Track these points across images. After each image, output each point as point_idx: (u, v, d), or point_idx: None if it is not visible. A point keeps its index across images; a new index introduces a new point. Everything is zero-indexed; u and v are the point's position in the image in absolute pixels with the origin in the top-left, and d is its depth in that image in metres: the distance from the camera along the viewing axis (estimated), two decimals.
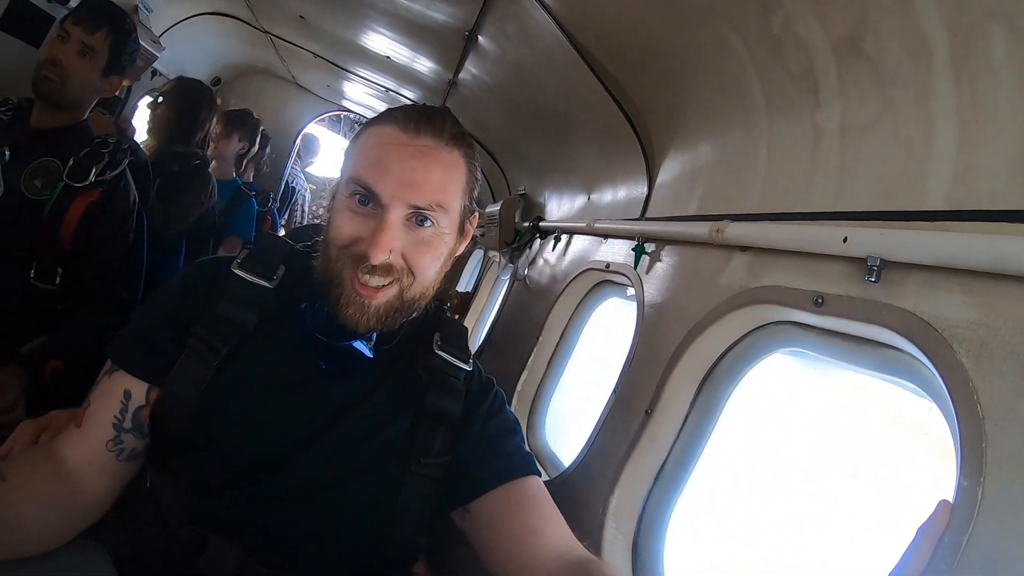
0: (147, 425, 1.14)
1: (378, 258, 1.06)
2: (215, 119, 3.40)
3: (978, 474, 0.80)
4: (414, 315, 1.20)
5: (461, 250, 1.22)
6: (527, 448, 1.27)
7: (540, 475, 1.23)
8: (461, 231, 1.20)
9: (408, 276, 1.11)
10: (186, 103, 3.13)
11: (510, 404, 2.50)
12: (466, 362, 1.28)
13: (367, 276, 1.08)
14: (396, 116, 1.13)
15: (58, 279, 1.97)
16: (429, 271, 1.14)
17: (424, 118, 1.12)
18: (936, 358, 0.91)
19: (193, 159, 3.05)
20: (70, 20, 2.03)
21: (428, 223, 1.10)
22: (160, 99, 3.17)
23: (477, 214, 1.24)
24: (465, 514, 1.19)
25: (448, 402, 1.21)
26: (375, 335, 1.18)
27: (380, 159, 1.09)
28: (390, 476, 1.16)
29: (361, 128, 1.20)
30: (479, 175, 1.21)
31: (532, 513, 1.15)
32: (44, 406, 1.35)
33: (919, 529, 0.84)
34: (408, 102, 4.33)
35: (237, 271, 1.19)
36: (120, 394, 1.13)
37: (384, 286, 1.10)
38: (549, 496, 1.20)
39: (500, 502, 1.16)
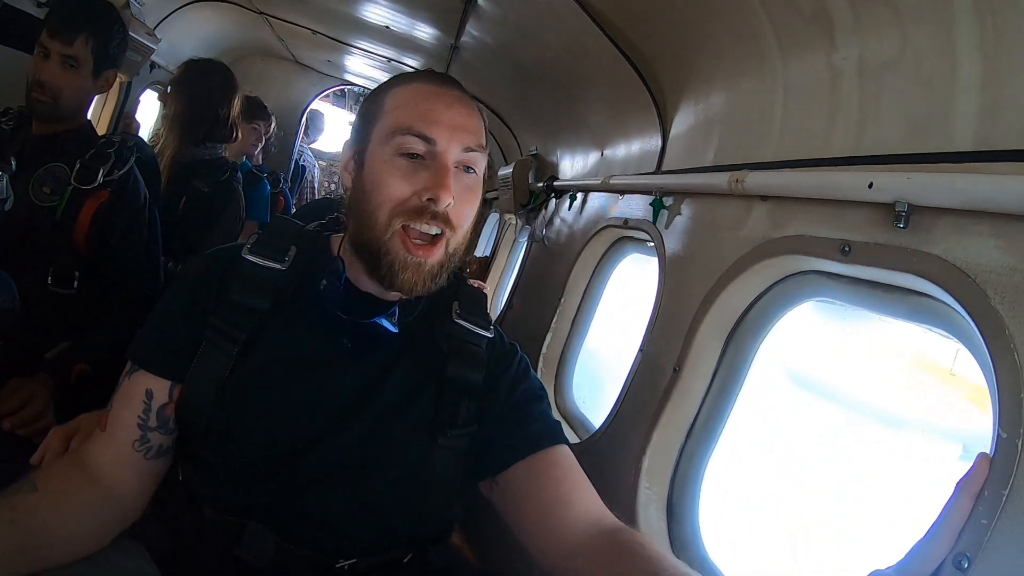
0: (172, 421, 1.15)
1: (446, 200, 1.08)
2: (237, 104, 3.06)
3: (1017, 425, 0.79)
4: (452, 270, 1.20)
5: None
6: (554, 415, 1.26)
7: (567, 443, 1.22)
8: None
9: (452, 229, 1.13)
10: (196, 90, 2.85)
11: (536, 368, 2.52)
12: (487, 329, 1.27)
13: (427, 226, 1.10)
14: (418, 76, 1.19)
15: (76, 283, 1.98)
16: (468, 220, 1.16)
17: (446, 76, 1.20)
18: (970, 306, 0.89)
19: (221, 172, 2.88)
20: (46, 33, 1.95)
21: (471, 169, 1.15)
22: (168, 89, 2.93)
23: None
24: (493, 484, 1.19)
25: (469, 371, 1.20)
26: (397, 310, 1.18)
27: (428, 109, 1.12)
28: (419, 450, 1.15)
29: (378, 93, 1.22)
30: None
31: (560, 484, 1.15)
32: (73, 410, 1.37)
33: (958, 483, 0.83)
34: (411, 71, 4.26)
35: (248, 256, 1.18)
36: (142, 394, 1.14)
37: (439, 238, 1.12)
38: (577, 464, 1.19)
39: (528, 473, 1.16)
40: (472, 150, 1.13)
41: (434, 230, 1.11)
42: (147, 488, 1.15)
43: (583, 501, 1.12)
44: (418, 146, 1.10)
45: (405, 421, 1.16)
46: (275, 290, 1.17)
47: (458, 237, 1.15)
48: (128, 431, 1.12)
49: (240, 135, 3.11)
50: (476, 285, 1.38)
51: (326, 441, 1.12)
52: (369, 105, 1.21)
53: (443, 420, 1.17)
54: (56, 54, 1.94)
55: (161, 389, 1.14)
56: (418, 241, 1.11)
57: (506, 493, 1.18)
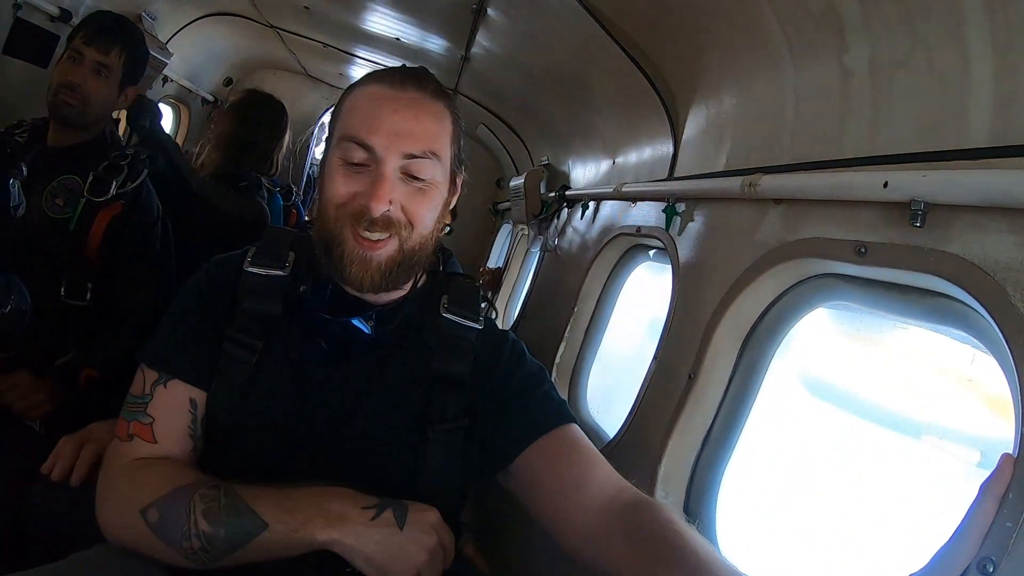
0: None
1: (379, 209, 1.08)
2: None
3: None
4: (417, 270, 1.21)
5: (453, 203, 1.25)
6: (557, 396, 1.25)
7: (575, 420, 1.21)
8: (453, 183, 1.22)
9: (407, 227, 1.13)
10: (249, 119, 2.95)
11: (550, 375, 2.51)
12: (476, 321, 1.25)
13: (367, 232, 1.10)
14: (380, 76, 1.17)
15: (88, 295, 1.99)
16: (427, 220, 1.15)
17: (407, 74, 1.17)
18: (989, 304, 0.87)
19: (239, 181, 2.89)
20: (80, 40, 2.01)
21: (423, 175, 1.13)
22: (224, 106, 3.08)
23: (463, 168, 1.25)
24: (508, 475, 1.19)
25: (455, 364, 1.20)
26: (375, 315, 1.19)
27: (371, 114, 1.12)
28: (412, 448, 1.16)
29: (343, 93, 1.22)
30: (463, 127, 1.23)
31: (572, 464, 1.13)
32: (80, 416, 1.38)
33: (982, 486, 0.81)
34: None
35: (249, 269, 1.19)
36: (186, 404, 1.15)
37: (385, 239, 1.11)
38: (588, 442, 1.18)
39: (538, 458, 1.15)
40: (415, 157, 1.11)
41: (375, 236, 1.11)
42: None
43: (597, 479, 1.11)
44: (359, 154, 1.11)
45: (396, 421, 1.18)
46: (283, 294, 1.19)
47: (417, 235, 1.15)
48: (183, 442, 1.14)
49: (278, 170, 3.19)
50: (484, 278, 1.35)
51: (322, 443, 1.14)
52: (337, 104, 1.22)
53: (431, 415, 1.17)
54: (91, 60, 2.00)
55: (201, 400, 1.16)
56: (366, 235, 1.11)
57: (521, 482, 1.17)
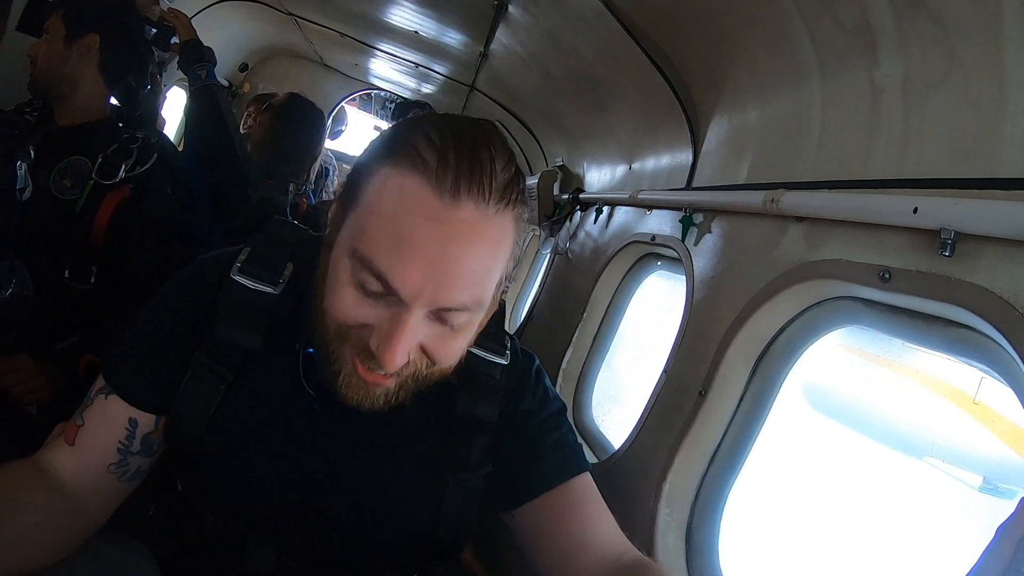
0: (158, 443, 1.07)
1: (393, 365, 0.85)
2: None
3: None
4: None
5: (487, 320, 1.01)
6: (574, 437, 1.16)
7: (587, 468, 1.13)
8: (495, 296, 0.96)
9: (428, 364, 0.92)
10: (278, 124, 2.95)
11: (555, 383, 2.48)
12: (502, 354, 1.12)
13: (378, 369, 0.88)
14: (426, 161, 0.82)
15: (93, 278, 1.97)
16: (455, 357, 0.95)
17: (465, 171, 0.82)
18: (1015, 339, 0.84)
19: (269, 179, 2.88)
20: None
21: (458, 322, 0.89)
22: (264, 107, 3.05)
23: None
24: (510, 517, 1.12)
25: (481, 407, 1.08)
26: None
27: (401, 237, 0.82)
28: (427, 494, 1.08)
29: (367, 158, 0.91)
30: (527, 219, 0.95)
31: (579, 522, 1.06)
32: (77, 402, 1.37)
33: (999, 528, 0.79)
34: (439, 77, 4.26)
35: (237, 277, 1.04)
36: (124, 421, 1.04)
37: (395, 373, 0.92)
38: (597, 495, 1.11)
39: (545, 510, 1.07)
40: (453, 310, 0.86)
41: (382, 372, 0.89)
42: (113, 505, 1.07)
43: (601, 541, 1.03)
44: (376, 286, 0.84)
45: (406, 466, 1.08)
46: (267, 319, 1.04)
47: (439, 370, 0.94)
48: (104, 455, 1.03)
49: (309, 180, 3.25)
50: None
51: (320, 490, 1.05)
52: (356, 172, 0.92)
53: (454, 461, 1.08)
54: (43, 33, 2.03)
55: (146, 420, 1.05)
56: (371, 368, 0.89)
57: (523, 528, 1.10)
